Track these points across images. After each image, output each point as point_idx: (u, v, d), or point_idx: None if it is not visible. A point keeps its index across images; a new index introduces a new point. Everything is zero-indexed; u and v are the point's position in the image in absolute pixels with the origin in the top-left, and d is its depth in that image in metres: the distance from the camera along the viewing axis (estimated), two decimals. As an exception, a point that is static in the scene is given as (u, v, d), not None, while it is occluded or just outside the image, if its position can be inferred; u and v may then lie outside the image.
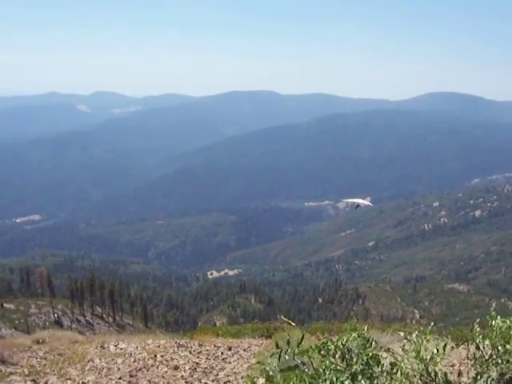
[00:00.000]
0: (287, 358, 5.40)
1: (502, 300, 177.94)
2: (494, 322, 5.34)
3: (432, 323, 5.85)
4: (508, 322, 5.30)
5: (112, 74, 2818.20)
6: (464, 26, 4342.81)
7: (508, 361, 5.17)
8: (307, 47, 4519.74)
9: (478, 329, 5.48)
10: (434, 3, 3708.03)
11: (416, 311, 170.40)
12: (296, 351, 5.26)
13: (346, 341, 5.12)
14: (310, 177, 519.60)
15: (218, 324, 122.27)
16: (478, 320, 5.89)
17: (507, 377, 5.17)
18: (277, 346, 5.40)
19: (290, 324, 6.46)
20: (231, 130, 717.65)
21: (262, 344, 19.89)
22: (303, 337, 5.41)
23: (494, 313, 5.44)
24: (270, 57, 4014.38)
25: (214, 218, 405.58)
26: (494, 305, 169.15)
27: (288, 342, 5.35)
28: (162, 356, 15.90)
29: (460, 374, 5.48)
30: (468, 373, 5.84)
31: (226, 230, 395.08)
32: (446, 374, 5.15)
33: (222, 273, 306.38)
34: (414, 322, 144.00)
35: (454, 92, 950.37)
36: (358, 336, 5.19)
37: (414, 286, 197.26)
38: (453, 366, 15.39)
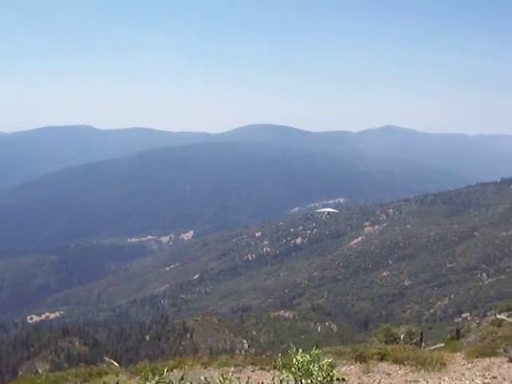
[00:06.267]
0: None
1: (327, 323, 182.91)
2: (294, 359, 5.84)
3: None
4: (308, 356, 5.70)
5: None
6: (275, 59, 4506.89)
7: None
8: (123, 80, 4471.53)
9: (280, 362, 5.85)
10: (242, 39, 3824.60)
11: (244, 341, 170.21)
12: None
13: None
14: (131, 212, 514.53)
15: (40, 371, 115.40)
16: (279, 355, 6.16)
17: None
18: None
19: (115, 364, 5.48)
20: (49, 166, 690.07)
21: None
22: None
23: (294, 349, 5.87)
24: (86, 90, 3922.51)
25: (33, 260, 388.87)
26: (319, 329, 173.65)
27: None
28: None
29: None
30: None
31: (45, 272, 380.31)
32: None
33: (43, 316, 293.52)
34: (243, 352, 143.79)
35: (271, 124, 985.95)
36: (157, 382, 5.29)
37: (240, 317, 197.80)
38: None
